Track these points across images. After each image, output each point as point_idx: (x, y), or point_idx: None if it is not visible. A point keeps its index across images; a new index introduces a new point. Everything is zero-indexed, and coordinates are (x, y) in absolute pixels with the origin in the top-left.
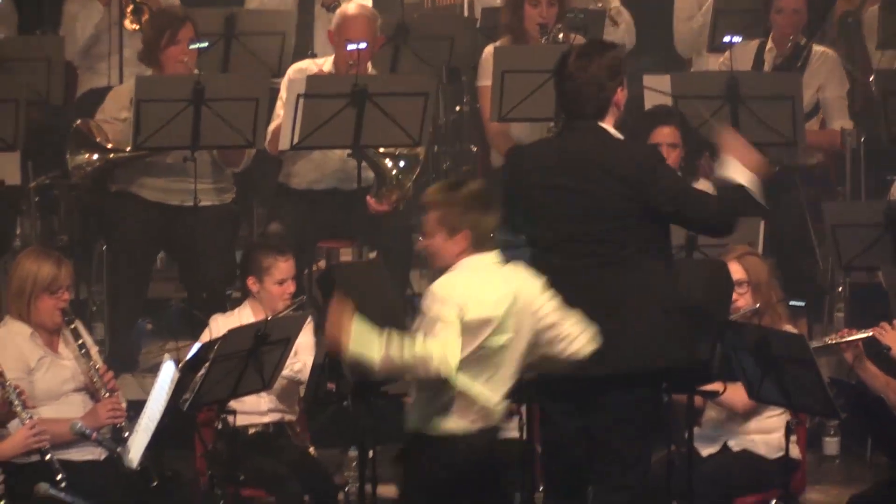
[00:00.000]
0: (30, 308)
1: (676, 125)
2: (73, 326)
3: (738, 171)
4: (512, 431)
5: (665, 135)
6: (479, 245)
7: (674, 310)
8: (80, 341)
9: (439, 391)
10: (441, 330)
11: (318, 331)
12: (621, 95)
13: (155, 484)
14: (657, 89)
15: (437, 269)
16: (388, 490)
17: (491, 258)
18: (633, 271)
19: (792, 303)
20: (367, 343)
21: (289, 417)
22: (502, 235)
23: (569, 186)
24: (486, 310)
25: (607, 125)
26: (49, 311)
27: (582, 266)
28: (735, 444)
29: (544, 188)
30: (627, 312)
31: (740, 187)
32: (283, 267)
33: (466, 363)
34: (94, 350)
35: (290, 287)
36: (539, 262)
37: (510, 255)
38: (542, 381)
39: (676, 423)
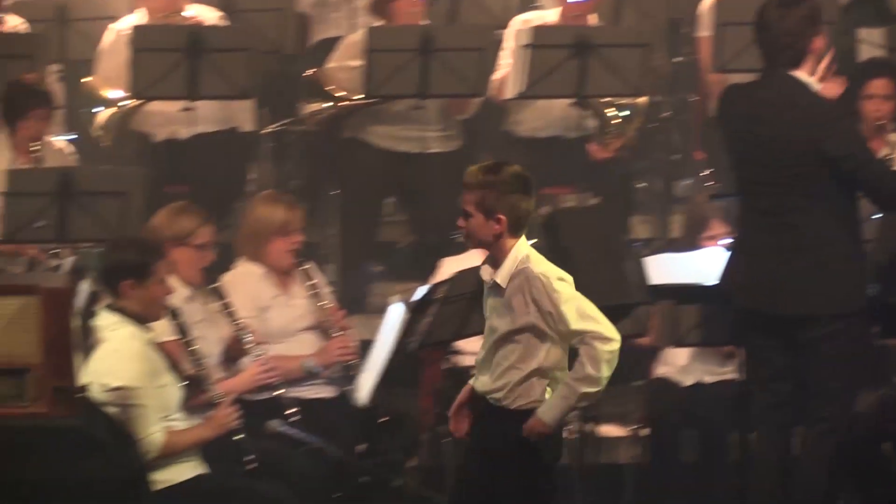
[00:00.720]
0: (263, 250)
1: (891, 77)
2: (304, 268)
3: None
4: (729, 374)
5: (879, 87)
6: (515, 229)
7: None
8: (311, 282)
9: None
10: (590, 307)
11: None
12: (818, 44)
13: (382, 422)
14: (871, 42)
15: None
16: (609, 430)
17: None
18: (824, 218)
19: None
20: (556, 406)
21: None
22: None
23: (758, 133)
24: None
25: (803, 74)
26: (281, 253)
27: (777, 209)
28: None
29: (739, 133)
30: (827, 254)
31: None
32: None
33: None
34: (325, 290)
35: None
36: (741, 205)
37: None
38: (751, 318)
39: (890, 366)
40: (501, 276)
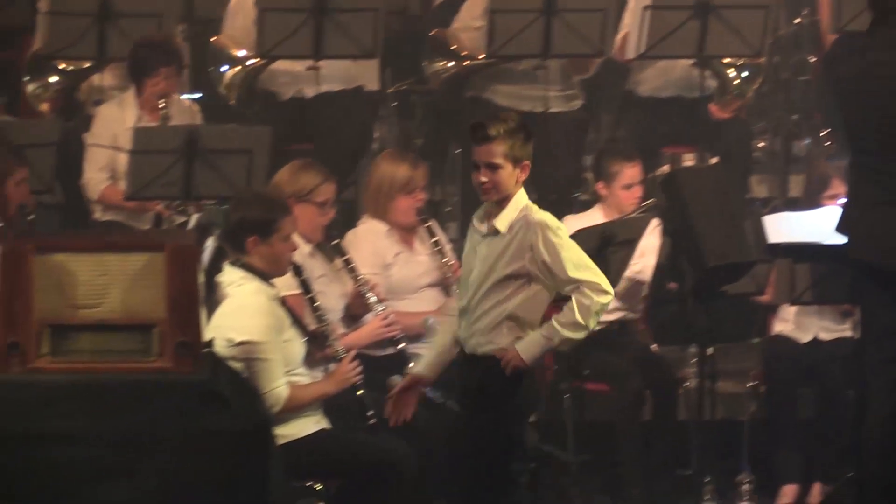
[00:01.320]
0: (387, 207)
1: None
2: (427, 225)
3: None
4: (846, 331)
5: None
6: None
7: None
8: (434, 239)
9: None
10: (586, 257)
11: (663, 234)
12: None
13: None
14: None
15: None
16: (727, 386)
17: None
18: None
19: None
20: (537, 343)
21: (632, 315)
22: None
23: (868, 91)
24: None
25: None
26: (405, 211)
27: (887, 163)
28: None
29: (848, 91)
30: None
31: None
32: (629, 172)
33: None
34: (447, 248)
35: (638, 191)
36: (851, 160)
37: None
38: (865, 272)
39: None
40: (502, 223)
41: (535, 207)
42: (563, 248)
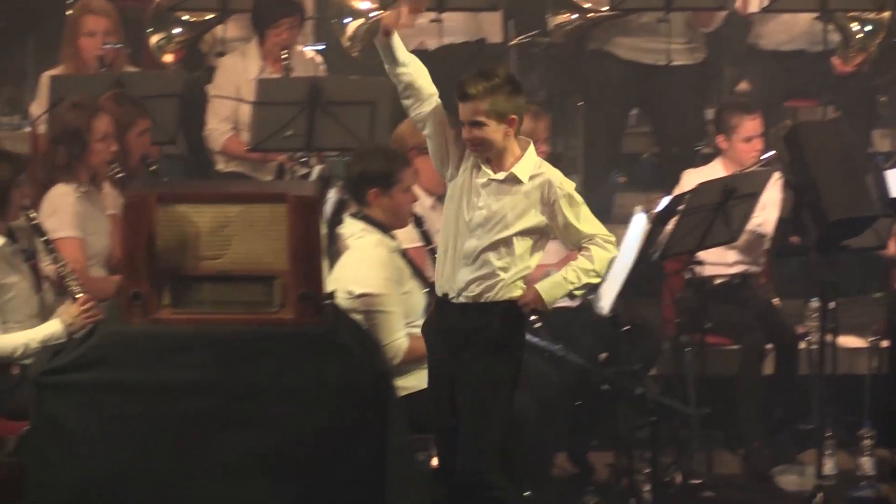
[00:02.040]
0: None
1: None
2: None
3: None
4: None
5: None
6: (520, 128)
7: None
8: None
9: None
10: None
11: (785, 187)
12: None
13: (624, 331)
14: None
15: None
16: (848, 341)
17: None
18: None
19: None
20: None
21: (754, 269)
22: None
23: None
24: None
25: None
26: None
27: None
28: None
29: None
30: None
31: None
32: (750, 125)
33: None
34: None
35: (758, 144)
36: None
37: None
38: None
39: None
40: (522, 171)
41: (546, 163)
42: (582, 204)
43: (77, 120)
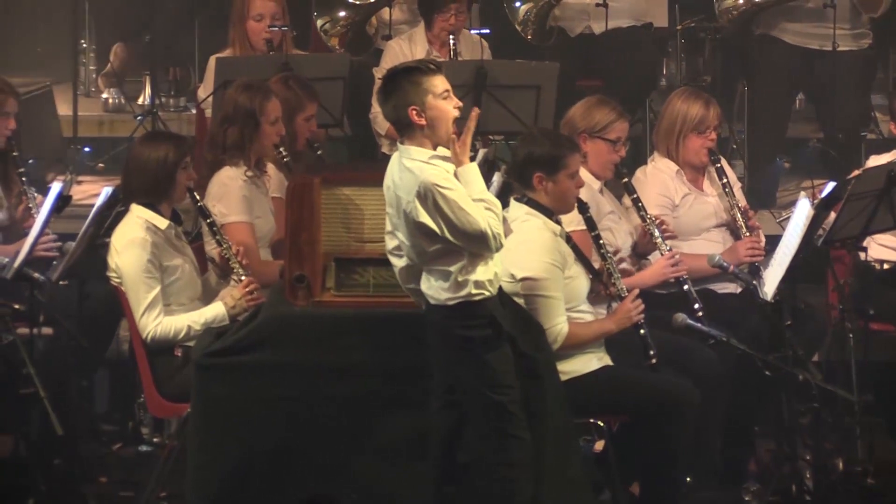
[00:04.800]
0: (678, 146)
1: None
2: (718, 165)
3: None
4: None
5: None
6: None
7: None
8: (724, 180)
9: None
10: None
11: None
12: None
13: (788, 316)
14: None
15: None
16: None
17: None
18: None
19: None
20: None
21: None
22: None
23: None
24: None
25: None
26: (696, 150)
27: None
28: None
29: None
30: None
31: None
32: None
33: None
34: (737, 188)
35: None
36: None
37: None
38: None
39: None
40: None
41: None
42: None
43: (250, 101)
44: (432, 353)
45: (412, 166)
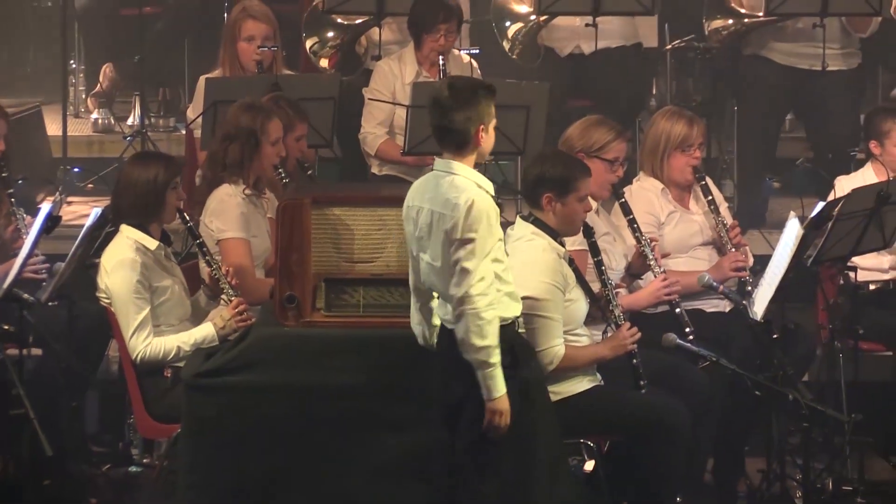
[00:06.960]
0: (662, 164)
1: None
2: (703, 183)
3: None
4: None
5: None
6: None
7: None
8: (709, 197)
9: None
10: None
11: None
12: None
13: (777, 336)
14: None
15: None
16: None
17: None
18: None
19: None
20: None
21: None
22: None
23: None
24: None
25: None
26: (681, 168)
27: None
28: None
29: None
30: None
31: None
32: None
33: None
34: (723, 206)
35: None
36: None
37: None
38: None
39: None
40: None
41: None
42: None
43: (252, 121)
44: (436, 381)
45: (463, 184)
